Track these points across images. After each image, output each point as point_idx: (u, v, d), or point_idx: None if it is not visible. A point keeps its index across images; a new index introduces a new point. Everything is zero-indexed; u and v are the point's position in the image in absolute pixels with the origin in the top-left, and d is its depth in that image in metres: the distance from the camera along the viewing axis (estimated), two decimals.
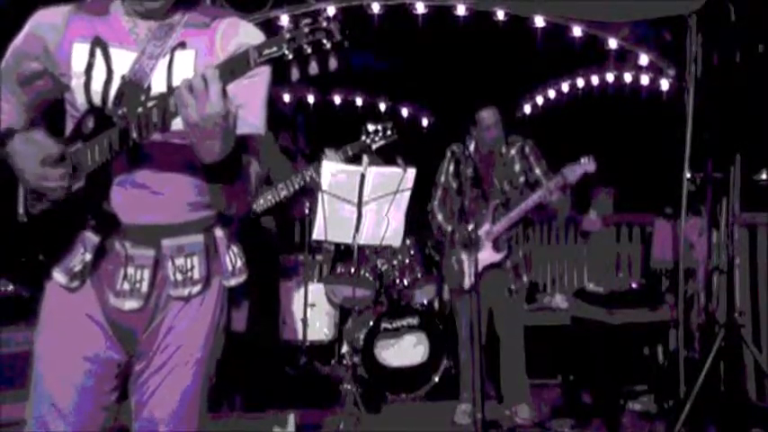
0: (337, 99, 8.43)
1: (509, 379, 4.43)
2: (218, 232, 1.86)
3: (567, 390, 5.00)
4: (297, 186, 4.20)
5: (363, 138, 4.15)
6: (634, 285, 5.38)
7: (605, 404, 4.61)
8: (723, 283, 4.51)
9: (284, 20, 5.12)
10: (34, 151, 1.73)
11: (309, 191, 4.35)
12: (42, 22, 1.81)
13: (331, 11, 5.05)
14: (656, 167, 5.87)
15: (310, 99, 8.30)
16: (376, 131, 4.14)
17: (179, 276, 1.79)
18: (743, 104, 4.30)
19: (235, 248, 1.90)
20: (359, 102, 8.46)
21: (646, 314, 4.93)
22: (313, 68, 1.49)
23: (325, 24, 1.47)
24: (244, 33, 1.79)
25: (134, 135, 1.64)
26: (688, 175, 4.50)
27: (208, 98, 1.50)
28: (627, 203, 6.76)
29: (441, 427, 4.44)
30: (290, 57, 1.48)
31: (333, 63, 1.49)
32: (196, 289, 1.81)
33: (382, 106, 8.62)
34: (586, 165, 4.09)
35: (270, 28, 4.82)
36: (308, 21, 1.48)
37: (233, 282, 1.89)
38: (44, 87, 1.84)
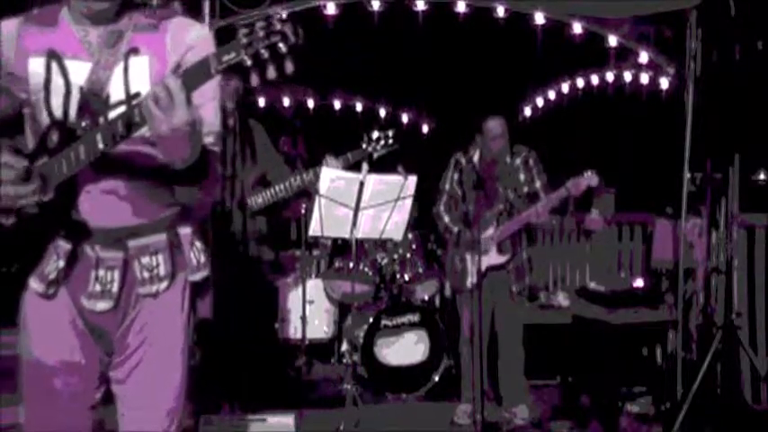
0: (337, 104, 8.42)
1: (508, 380, 4.43)
2: (182, 230, 1.93)
3: (566, 391, 5.00)
4: (294, 189, 4.20)
5: (365, 145, 4.14)
6: (636, 284, 5.38)
7: (603, 406, 4.62)
8: (721, 283, 4.51)
9: (283, 16, 5.10)
10: (3, 172, 1.75)
11: (306, 193, 4.35)
12: None
13: (331, 7, 5.05)
14: (657, 166, 5.86)
15: (310, 104, 8.30)
16: (378, 139, 4.10)
17: (146, 274, 1.86)
18: (742, 103, 4.30)
19: (198, 244, 1.96)
20: (359, 107, 8.45)
21: (645, 314, 4.93)
22: (271, 73, 1.51)
23: (279, 27, 1.49)
24: (193, 33, 1.83)
25: (101, 146, 1.68)
26: (688, 175, 4.49)
27: (174, 109, 1.55)
28: (628, 203, 6.75)
29: (441, 427, 4.43)
30: (249, 62, 1.50)
31: (289, 66, 1.51)
32: (163, 285, 1.88)
33: (382, 112, 8.61)
34: (590, 179, 4.14)
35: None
36: (262, 24, 1.51)
37: (198, 276, 1.95)
38: (3, 104, 1.85)
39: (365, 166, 4.08)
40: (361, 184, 4.10)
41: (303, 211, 4.72)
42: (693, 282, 4.88)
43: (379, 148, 4.12)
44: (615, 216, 6.64)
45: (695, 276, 4.88)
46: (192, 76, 1.56)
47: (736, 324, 4.20)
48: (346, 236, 4.22)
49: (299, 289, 5.19)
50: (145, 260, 1.86)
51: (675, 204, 4.73)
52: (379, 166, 4.20)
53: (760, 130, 4.30)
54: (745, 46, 4.40)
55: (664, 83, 6.03)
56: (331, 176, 4.08)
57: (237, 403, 4.49)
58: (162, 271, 1.87)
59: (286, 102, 8.11)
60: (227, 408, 4.43)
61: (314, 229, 4.18)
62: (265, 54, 1.49)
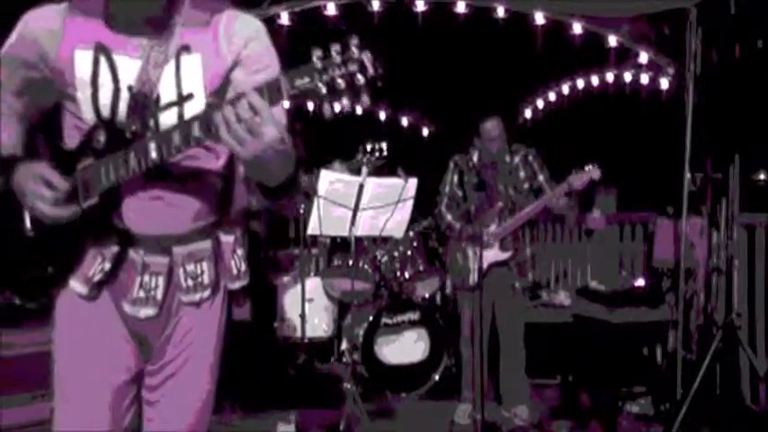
0: (337, 107, 8.40)
1: (509, 380, 4.43)
2: (224, 237, 1.86)
3: (566, 391, 5.00)
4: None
5: (360, 156, 4.17)
6: (637, 284, 5.38)
7: (603, 406, 4.62)
8: (722, 283, 4.50)
9: (284, 18, 5.11)
10: (44, 193, 1.67)
11: (305, 194, 4.36)
12: (36, 26, 1.70)
13: (331, 8, 5.06)
14: (658, 166, 5.86)
15: (310, 106, 8.28)
16: (372, 150, 4.15)
17: (190, 282, 1.80)
18: (742, 103, 4.29)
19: (239, 252, 1.89)
20: (359, 110, 8.43)
21: (646, 313, 4.93)
22: (345, 105, 1.39)
23: (357, 54, 1.37)
24: (246, 26, 1.74)
25: (153, 156, 1.59)
26: (689, 175, 4.49)
27: (263, 127, 1.43)
28: (629, 202, 6.76)
29: (441, 427, 4.43)
30: (324, 91, 1.36)
31: (366, 100, 1.38)
32: (206, 293, 1.82)
33: (382, 115, 8.57)
34: (591, 172, 4.15)
35: (270, 25, 4.81)
36: (337, 48, 1.38)
37: (237, 285, 1.89)
38: (43, 97, 1.77)
39: (365, 170, 4.10)
40: (361, 186, 4.12)
41: (301, 211, 4.73)
42: (694, 282, 4.88)
43: (373, 159, 4.16)
44: (616, 215, 6.65)
45: (696, 276, 4.88)
46: (267, 96, 1.44)
47: (735, 324, 4.20)
48: (345, 234, 4.23)
49: (298, 287, 5.19)
50: (190, 267, 1.79)
51: (676, 204, 4.73)
52: (380, 168, 4.23)
53: (760, 130, 4.30)
54: (746, 45, 4.40)
55: (664, 83, 6.04)
56: (330, 179, 4.09)
57: (237, 403, 4.51)
58: (206, 279, 1.81)
59: (285, 104, 8.09)
60: (228, 408, 4.44)
61: (312, 228, 4.20)
62: (341, 84, 1.36)
